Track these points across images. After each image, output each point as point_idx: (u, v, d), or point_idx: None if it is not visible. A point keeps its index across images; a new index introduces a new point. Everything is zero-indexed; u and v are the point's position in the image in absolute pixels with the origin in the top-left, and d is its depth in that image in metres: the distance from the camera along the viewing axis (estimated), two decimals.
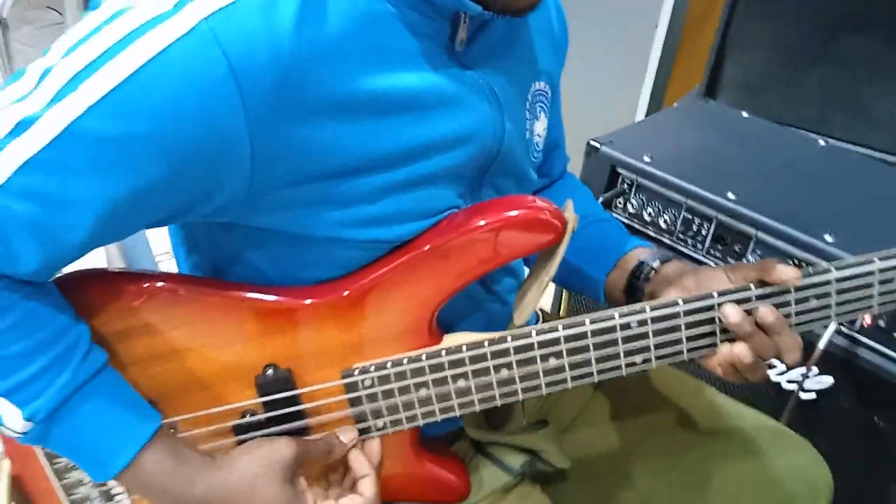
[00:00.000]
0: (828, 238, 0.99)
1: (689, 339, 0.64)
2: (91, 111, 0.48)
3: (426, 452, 0.71)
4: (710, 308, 0.63)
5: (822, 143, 1.28)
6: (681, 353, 0.65)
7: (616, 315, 0.63)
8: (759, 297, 0.63)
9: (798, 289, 0.63)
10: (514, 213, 0.63)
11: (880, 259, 0.65)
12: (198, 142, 0.50)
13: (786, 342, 0.62)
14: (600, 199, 1.19)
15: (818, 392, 1.07)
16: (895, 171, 1.23)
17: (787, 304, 0.64)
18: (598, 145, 1.19)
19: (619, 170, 1.18)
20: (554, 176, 0.90)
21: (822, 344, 0.99)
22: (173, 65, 0.48)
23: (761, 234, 1.05)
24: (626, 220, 1.21)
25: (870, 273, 0.65)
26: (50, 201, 0.50)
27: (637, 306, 0.63)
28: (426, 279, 0.63)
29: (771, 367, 1.08)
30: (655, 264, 0.74)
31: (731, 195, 1.08)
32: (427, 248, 0.62)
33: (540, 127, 0.75)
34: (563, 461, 0.77)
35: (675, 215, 1.14)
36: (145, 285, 0.62)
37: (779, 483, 0.82)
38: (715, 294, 0.63)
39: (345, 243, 0.60)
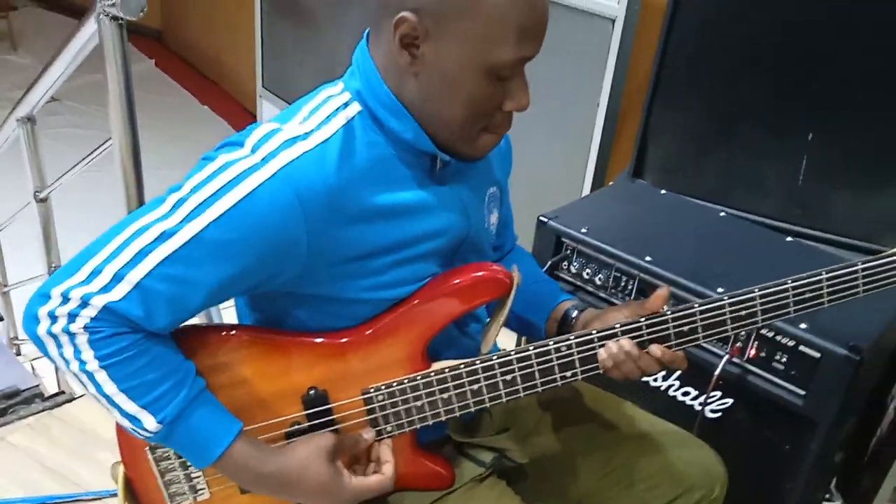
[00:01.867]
0: (719, 290, 1.30)
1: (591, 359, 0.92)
2: (211, 226, 0.77)
3: (421, 452, 0.97)
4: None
5: (722, 213, 1.61)
6: (597, 367, 0.93)
7: (551, 343, 0.91)
8: (625, 332, 0.91)
9: (673, 319, 0.92)
10: (479, 273, 0.92)
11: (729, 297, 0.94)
12: (274, 244, 0.79)
13: (644, 363, 0.90)
14: (549, 262, 1.49)
15: (722, 411, 1.36)
16: (778, 235, 1.56)
17: (665, 330, 0.92)
18: (545, 220, 1.50)
19: (563, 239, 1.48)
20: (507, 248, 1.19)
21: (717, 371, 1.28)
22: (262, 197, 0.78)
23: (672, 288, 1.35)
24: (570, 279, 1.51)
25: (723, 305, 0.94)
26: (180, 282, 0.78)
27: (564, 337, 0.91)
28: (419, 322, 0.91)
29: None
30: (575, 313, 1.04)
31: (648, 258, 1.38)
32: (417, 301, 0.90)
33: (493, 219, 1.05)
34: (522, 457, 1.04)
35: (607, 275, 1.44)
36: (223, 333, 0.89)
37: (684, 474, 1.10)
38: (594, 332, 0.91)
39: (364, 302, 0.89)
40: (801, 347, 1.23)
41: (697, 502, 1.10)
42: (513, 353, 0.91)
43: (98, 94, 1.51)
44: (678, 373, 1.40)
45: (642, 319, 0.91)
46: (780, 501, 1.33)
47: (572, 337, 0.91)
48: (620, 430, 1.13)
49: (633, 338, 0.91)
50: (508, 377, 0.92)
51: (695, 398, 1.39)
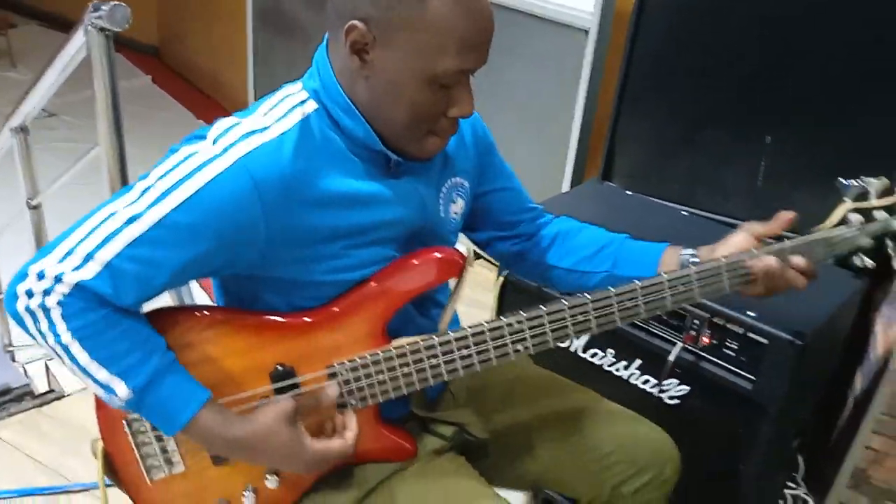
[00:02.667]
0: None
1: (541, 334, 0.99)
2: (173, 211, 0.85)
3: (384, 425, 1.03)
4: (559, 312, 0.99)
5: (684, 213, 1.69)
6: (547, 342, 0.99)
7: (503, 320, 0.98)
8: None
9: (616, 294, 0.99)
10: (433, 255, 0.99)
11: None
12: (233, 228, 0.87)
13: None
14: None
15: (680, 398, 1.43)
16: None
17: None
18: None
19: None
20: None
21: (671, 358, 1.35)
22: (221, 185, 0.85)
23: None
24: None
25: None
26: (146, 263, 0.85)
27: (514, 315, 0.98)
28: (379, 301, 0.97)
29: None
30: (695, 260, 1.06)
31: None
32: (376, 282, 0.97)
33: (456, 208, 1.12)
34: (482, 432, 1.11)
35: None
36: (193, 313, 0.96)
37: (637, 455, 1.16)
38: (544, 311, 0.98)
39: (325, 284, 0.96)
40: (750, 334, 1.30)
41: (649, 482, 1.16)
42: (468, 329, 0.98)
43: (93, 109, 1.59)
44: (638, 362, 1.46)
45: (588, 297, 0.98)
46: (734, 484, 1.39)
47: (523, 313, 0.98)
48: (577, 412, 1.20)
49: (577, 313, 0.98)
50: (465, 352, 0.98)
51: (654, 386, 1.46)
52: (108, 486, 1.04)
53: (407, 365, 0.98)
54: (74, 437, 1.88)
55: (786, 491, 1.81)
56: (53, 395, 2.00)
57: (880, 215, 1.08)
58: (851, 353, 1.86)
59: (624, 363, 1.49)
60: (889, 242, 1.10)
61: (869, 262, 1.11)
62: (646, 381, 1.47)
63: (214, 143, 0.88)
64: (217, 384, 0.94)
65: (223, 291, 1.02)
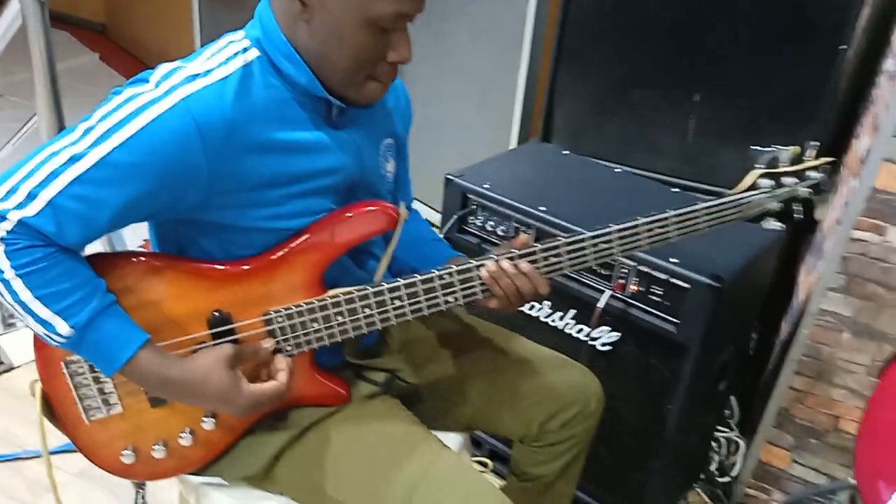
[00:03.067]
0: None
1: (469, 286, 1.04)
2: (116, 150, 0.87)
3: (319, 371, 1.08)
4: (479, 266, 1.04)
5: (617, 170, 1.75)
6: (475, 294, 1.05)
7: (434, 272, 1.03)
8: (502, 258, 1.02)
9: (543, 250, 1.05)
10: (368, 207, 1.03)
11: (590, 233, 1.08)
12: (175, 169, 0.89)
13: (520, 281, 1.02)
14: (456, 216, 1.62)
15: (612, 344, 1.51)
16: (664, 187, 1.71)
17: (534, 260, 1.05)
18: (451, 178, 1.62)
19: (468, 195, 1.61)
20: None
21: (600, 304, 1.42)
22: (163, 125, 0.88)
23: (563, 235, 1.48)
24: (476, 232, 1.64)
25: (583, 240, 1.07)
26: (88, 202, 0.87)
27: (446, 267, 1.03)
28: (315, 251, 1.01)
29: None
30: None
31: (542, 208, 1.51)
32: (312, 232, 1.01)
33: (390, 167, 1.17)
34: (413, 378, 1.16)
35: (508, 226, 1.57)
36: (132, 259, 0.99)
37: (562, 392, 1.23)
38: (473, 262, 1.03)
39: (263, 231, 0.99)
40: (673, 280, 1.38)
41: (575, 416, 1.23)
42: (401, 280, 1.03)
43: None
44: (573, 312, 1.53)
45: (515, 250, 1.04)
46: (662, 422, 1.48)
47: (454, 266, 1.03)
48: (507, 356, 1.26)
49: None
50: (397, 302, 1.03)
51: (587, 334, 1.53)
52: (53, 453, 1.06)
53: (342, 314, 1.03)
54: (24, 407, 1.89)
55: (718, 434, 1.93)
56: (2, 367, 2.01)
57: (789, 181, 1.15)
58: (779, 300, 1.97)
59: (560, 314, 1.55)
60: (796, 206, 1.18)
61: (777, 225, 1.18)
62: (580, 330, 1.54)
63: (157, 85, 0.90)
64: (156, 328, 0.97)
65: (159, 238, 1.05)
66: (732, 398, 1.99)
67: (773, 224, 1.18)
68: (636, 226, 1.08)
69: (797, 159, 1.18)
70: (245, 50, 0.96)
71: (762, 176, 1.16)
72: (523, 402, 1.23)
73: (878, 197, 1.43)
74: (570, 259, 1.06)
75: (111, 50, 4.73)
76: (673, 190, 1.68)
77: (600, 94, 1.87)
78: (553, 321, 1.57)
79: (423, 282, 1.03)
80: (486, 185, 1.59)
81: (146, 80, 0.92)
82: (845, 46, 1.59)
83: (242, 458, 1.06)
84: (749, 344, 2.03)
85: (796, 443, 1.74)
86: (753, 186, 1.15)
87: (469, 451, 1.42)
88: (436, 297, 1.04)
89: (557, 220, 1.49)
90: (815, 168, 1.18)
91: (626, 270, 1.44)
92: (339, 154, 1.02)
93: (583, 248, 1.06)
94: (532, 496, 1.31)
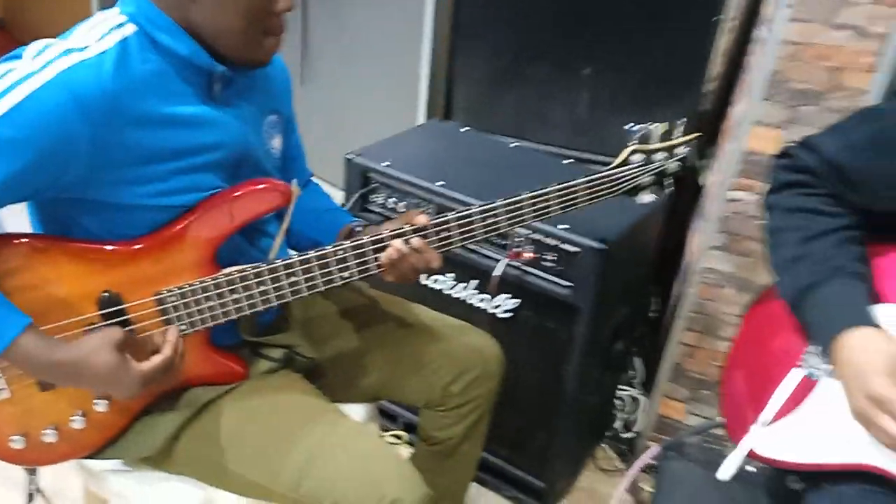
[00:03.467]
0: None
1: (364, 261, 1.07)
2: None
3: (215, 350, 1.08)
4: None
5: (514, 144, 1.81)
6: (370, 269, 1.08)
7: (329, 248, 1.06)
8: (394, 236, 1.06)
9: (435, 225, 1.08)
10: (259, 186, 1.05)
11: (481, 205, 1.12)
12: (55, 142, 0.88)
13: (414, 258, 1.05)
14: (358, 195, 1.64)
15: (513, 311, 1.57)
16: (556, 159, 1.78)
17: (426, 235, 1.08)
18: (351, 157, 1.64)
19: (368, 173, 1.63)
20: (299, 182, 1.31)
21: (496, 273, 1.48)
22: (41, 99, 0.87)
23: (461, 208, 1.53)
24: (378, 210, 1.66)
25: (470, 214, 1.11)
26: None
27: (340, 244, 1.05)
28: (206, 229, 1.02)
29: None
30: (359, 229, 1.18)
31: (440, 183, 1.56)
32: (203, 209, 1.02)
33: (276, 143, 1.18)
34: (314, 352, 1.18)
35: (408, 202, 1.61)
36: (14, 241, 0.97)
37: (462, 356, 1.28)
38: (367, 237, 1.05)
39: (148, 208, 0.99)
40: (564, 245, 1.44)
41: (476, 378, 1.28)
42: (296, 257, 1.04)
43: None
44: (475, 283, 1.58)
45: (407, 226, 1.07)
46: (560, 382, 1.55)
47: (348, 242, 1.06)
48: (408, 326, 1.30)
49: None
50: (293, 279, 1.05)
51: (489, 302, 1.58)
52: None
53: (236, 292, 1.03)
54: None
55: (622, 393, 2.03)
56: None
57: (659, 157, 1.23)
58: (674, 264, 2.08)
59: (462, 285, 1.60)
60: (669, 180, 1.25)
61: (648, 198, 1.25)
62: (483, 300, 1.59)
63: (32, 59, 0.89)
64: (43, 311, 0.96)
65: (40, 218, 1.03)
66: (637, 359, 2.10)
67: (646, 197, 1.25)
68: (521, 200, 1.13)
69: (667, 135, 1.26)
70: (121, 25, 0.96)
71: (634, 152, 1.23)
72: (425, 369, 1.27)
73: (750, 158, 1.53)
74: (461, 233, 1.10)
75: (10, 44, 4.51)
76: (565, 161, 1.75)
77: (497, 70, 1.92)
78: (456, 293, 1.61)
79: (319, 258, 1.05)
80: (385, 163, 1.62)
81: (19, 57, 0.91)
82: (718, 17, 1.69)
83: (139, 440, 1.06)
84: (649, 306, 2.14)
85: (690, 395, 1.86)
86: (626, 162, 1.22)
87: (377, 421, 1.45)
88: (331, 273, 1.06)
89: (455, 195, 1.53)
90: (682, 144, 1.26)
91: (520, 239, 1.49)
92: (223, 129, 1.03)
93: (471, 223, 1.10)
94: (440, 459, 1.36)
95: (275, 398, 1.09)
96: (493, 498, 1.74)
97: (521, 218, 1.13)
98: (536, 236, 1.47)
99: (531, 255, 1.50)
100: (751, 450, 0.99)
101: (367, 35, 2.56)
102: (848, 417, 0.88)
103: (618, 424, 2.00)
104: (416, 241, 1.06)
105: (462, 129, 1.87)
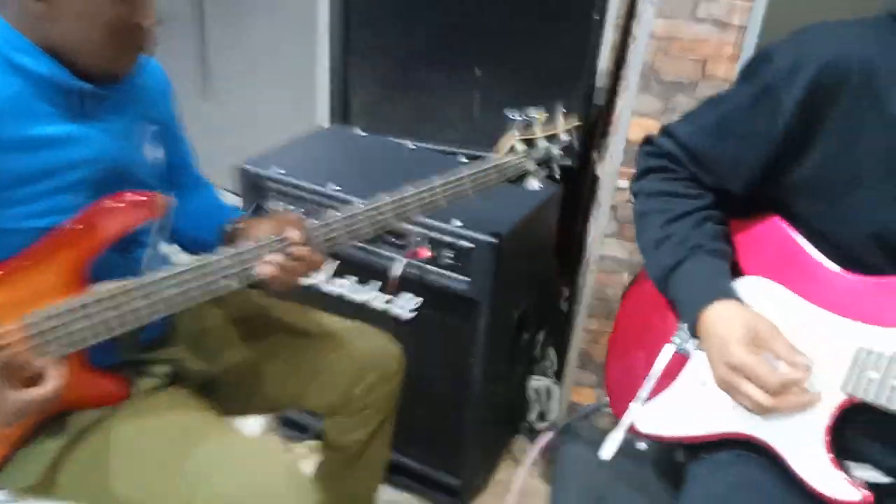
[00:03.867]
0: None
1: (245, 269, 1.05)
2: None
3: (92, 371, 1.04)
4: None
5: (411, 146, 1.83)
6: (252, 277, 1.06)
7: (207, 256, 1.04)
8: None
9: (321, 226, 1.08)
10: (130, 198, 1.02)
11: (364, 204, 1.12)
12: None
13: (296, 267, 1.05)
14: (255, 204, 1.62)
15: (417, 309, 1.58)
16: (452, 158, 1.80)
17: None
18: (244, 167, 1.62)
19: (263, 181, 1.61)
20: (189, 187, 1.30)
21: (395, 272, 1.49)
22: None
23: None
24: None
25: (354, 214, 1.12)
26: None
27: (219, 252, 1.03)
28: (74, 247, 0.99)
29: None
30: (239, 225, 1.17)
31: (334, 187, 1.55)
32: (71, 227, 0.98)
33: (157, 153, 1.15)
34: (200, 365, 1.16)
35: (305, 208, 1.60)
36: None
37: (362, 359, 1.28)
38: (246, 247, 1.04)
39: (16, 232, 0.96)
40: (459, 241, 1.46)
41: (377, 380, 1.29)
42: (172, 269, 1.02)
43: None
44: (377, 284, 1.59)
45: (287, 234, 1.06)
46: (466, 377, 1.57)
47: (231, 249, 1.04)
48: (305, 333, 1.29)
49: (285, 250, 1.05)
50: (168, 292, 1.03)
51: (392, 304, 1.59)
52: None
53: (109, 309, 1.00)
54: None
55: (537, 384, 2.07)
56: None
57: (542, 143, 1.26)
58: (580, 254, 2.14)
59: (364, 287, 1.60)
60: (554, 166, 1.29)
61: (536, 185, 1.29)
62: (387, 301, 1.60)
63: None
64: None
65: None
66: (551, 349, 2.15)
67: (534, 184, 1.28)
68: (406, 195, 1.14)
69: (548, 123, 1.30)
70: None
71: (518, 140, 1.27)
72: (323, 374, 1.26)
73: (632, 148, 1.59)
74: (348, 233, 1.10)
75: None
76: (462, 160, 1.77)
77: (391, 75, 1.93)
78: (359, 296, 1.61)
79: (196, 268, 1.03)
80: (280, 171, 1.60)
81: None
82: (598, 17, 1.75)
83: (21, 468, 1.02)
84: (560, 296, 2.19)
85: (599, 380, 1.91)
86: (511, 150, 1.25)
87: (278, 430, 1.44)
88: (210, 284, 1.04)
89: (350, 198, 1.53)
90: (566, 131, 1.30)
91: (418, 238, 1.51)
92: (89, 146, 1.00)
93: (357, 221, 1.11)
94: (347, 465, 1.36)
95: (161, 416, 1.06)
96: (409, 499, 1.75)
97: (407, 212, 1.14)
98: (433, 234, 1.49)
99: (429, 253, 1.51)
100: (634, 427, 1.03)
101: (266, 46, 2.54)
102: (717, 388, 0.93)
103: (533, 415, 2.04)
104: (297, 251, 1.06)
105: (360, 134, 1.87)
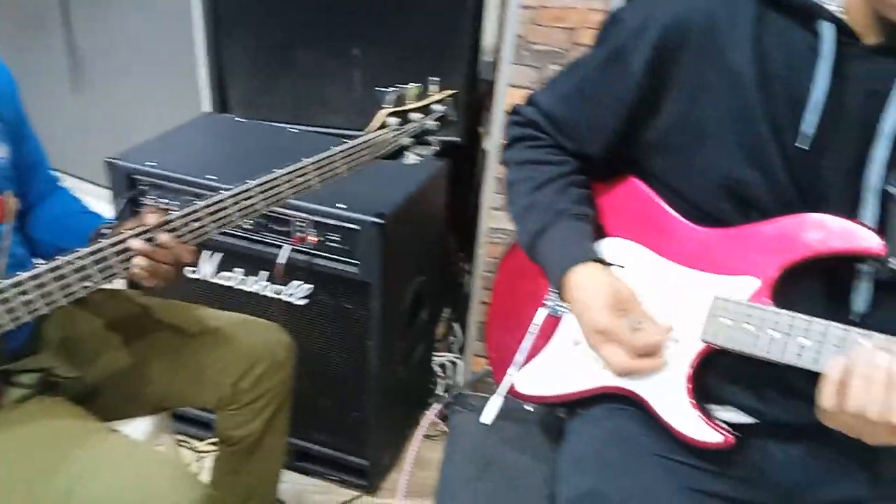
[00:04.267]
0: None
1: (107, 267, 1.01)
2: None
3: None
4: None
5: (293, 130, 1.79)
6: (115, 273, 1.02)
7: (61, 258, 0.99)
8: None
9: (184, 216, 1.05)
10: None
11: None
12: None
13: (161, 255, 1.01)
14: (126, 200, 1.55)
15: (309, 297, 1.56)
16: (333, 139, 1.76)
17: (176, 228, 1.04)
18: (112, 161, 1.55)
19: (134, 176, 1.55)
20: (44, 192, 1.23)
21: (280, 260, 1.46)
22: None
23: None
24: None
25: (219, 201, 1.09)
26: None
27: (75, 251, 0.99)
28: None
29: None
30: (106, 231, 1.12)
31: (210, 176, 1.51)
32: None
33: (1, 151, 1.09)
34: (71, 371, 1.11)
35: (181, 200, 1.54)
36: None
37: (248, 351, 1.25)
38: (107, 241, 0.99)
39: None
40: (345, 224, 1.45)
41: (266, 370, 1.27)
42: (25, 273, 0.97)
43: None
44: (265, 273, 1.56)
45: (150, 224, 1.02)
46: (365, 357, 1.57)
47: (85, 249, 0.99)
48: (186, 330, 1.25)
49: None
50: (24, 297, 0.97)
51: (282, 293, 1.56)
52: None
53: None
54: None
55: (444, 360, 2.09)
56: None
57: (416, 116, 1.25)
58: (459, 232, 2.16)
59: (253, 278, 1.57)
60: (432, 139, 1.28)
61: (414, 159, 1.28)
62: (278, 291, 1.57)
63: None
64: None
65: None
66: (456, 325, 2.17)
67: (412, 159, 1.28)
68: (275, 178, 1.11)
69: (422, 95, 1.29)
70: None
71: (391, 115, 1.26)
72: (209, 370, 1.23)
73: None
74: (214, 221, 1.07)
75: None
76: (346, 142, 1.74)
77: (267, 59, 1.88)
78: (248, 287, 1.58)
79: (52, 270, 0.98)
80: (152, 163, 1.54)
81: None
82: None
83: None
84: (462, 272, 2.21)
85: None
86: (383, 125, 1.24)
87: (170, 430, 1.40)
88: (71, 285, 1.00)
89: (224, 186, 1.47)
90: (438, 102, 1.29)
91: (302, 223, 1.48)
92: None
93: (224, 208, 1.08)
94: (243, 458, 1.33)
95: (30, 427, 1.01)
96: (320, 485, 1.74)
97: (278, 195, 1.12)
98: (318, 218, 1.47)
99: (315, 238, 1.49)
100: (515, 391, 1.06)
101: (140, 35, 2.42)
102: (588, 346, 0.96)
103: (440, 390, 2.06)
104: (163, 237, 1.02)
105: (239, 121, 1.82)
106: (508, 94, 1.58)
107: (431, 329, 1.95)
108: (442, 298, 2.05)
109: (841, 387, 0.77)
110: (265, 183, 1.11)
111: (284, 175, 1.12)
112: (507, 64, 1.56)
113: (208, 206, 1.07)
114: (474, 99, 1.99)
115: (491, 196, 1.70)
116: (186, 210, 1.05)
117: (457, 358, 2.11)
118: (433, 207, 1.74)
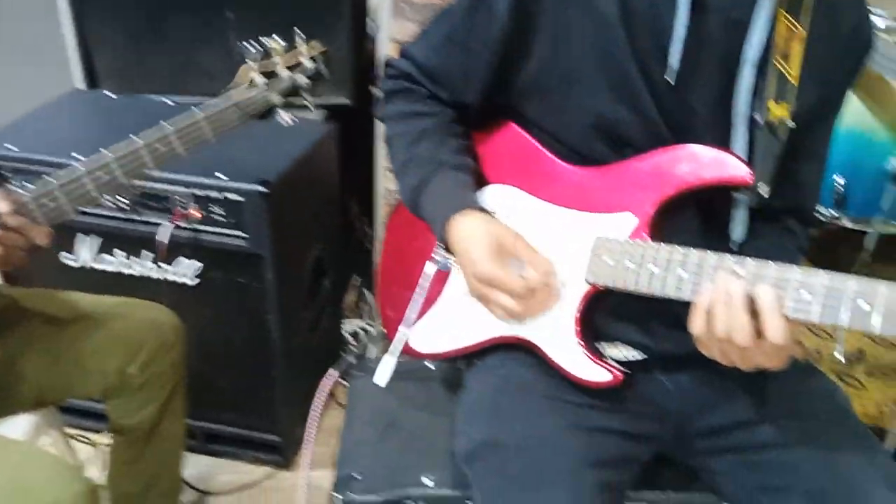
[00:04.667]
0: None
1: None
2: None
3: None
4: None
5: (170, 102, 1.70)
6: None
7: None
8: None
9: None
10: None
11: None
12: None
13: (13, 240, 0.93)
14: None
15: (199, 275, 1.49)
16: None
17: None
18: None
19: None
20: None
21: (161, 238, 1.39)
22: None
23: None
24: None
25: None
26: None
27: None
28: None
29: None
30: None
31: (78, 157, 1.40)
32: None
33: None
34: None
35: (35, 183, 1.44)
36: None
37: (133, 335, 1.20)
38: None
39: None
40: (228, 195, 1.39)
41: (155, 353, 1.21)
42: None
43: None
44: (148, 254, 1.48)
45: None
46: (266, 330, 1.52)
47: None
48: (62, 319, 1.18)
49: None
50: None
51: (168, 272, 1.49)
52: None
53: None
54: None
55: (356, 328, 2.06)
56: None
57: (284, 73, 1.19)
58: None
59: (136, 259, 1.49)
60: (304, 95, 1.22)
61: (288, 118, 1.22)
62: (164, 271, 1.50)
63: None
64: None
65: None
66: (367, 292, 2.14)
67: (285, 118, 1.22)
68: (133, 149, 1.05)
69: (289, 51, 1.23)
70: None
71: (257, 73, 1.19)
72: (89, 358, 1.17)
73: None
74: (71, 199, 1.00)
75: None
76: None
77: (136, 30, 1.76)
78: (133, 269, 1.50)
79: None
80: (12, 147, 1.43)
81: None
82: None
83: None
84: (365, 241, 2.17)
85: None
86: (251, 85, 1.18)
87: (58, 425, 1.33)
88: None
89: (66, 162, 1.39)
90: (310, 59, 1.24)
91: (182, 198, 1.41)
92: None
93: (79, 184, 1.01)
94: (139, 446, 1.28)
95: None
96: (234, 466, 1.69)
97: (140, 168, 1.05)
98: (198, 192, 1.40)
99: (198, 213, 1.42)
100: (411, 349, 1.04)
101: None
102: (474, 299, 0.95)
103: (352, 359, 2.03)
104: (13, 220, 0.94)
105: (110, 96, 1.71)
106: (392, 50, 1.53)
107: (338, 297, 1.91)
108: (348, 265, 2.01)
109: (709, 315, 0.78)
110: (123, 155, 1.04)
111: (144, 145, 1.05)
112: (387, 18, 1.51)
113: (63, 184, 0.99)
114: (363, 58, 1.93)
115: (384, 156, 1.66)
116: (40, 191, 0.97)
117: (369, 325, 2.08)
118: (324, 173, 1.69)
